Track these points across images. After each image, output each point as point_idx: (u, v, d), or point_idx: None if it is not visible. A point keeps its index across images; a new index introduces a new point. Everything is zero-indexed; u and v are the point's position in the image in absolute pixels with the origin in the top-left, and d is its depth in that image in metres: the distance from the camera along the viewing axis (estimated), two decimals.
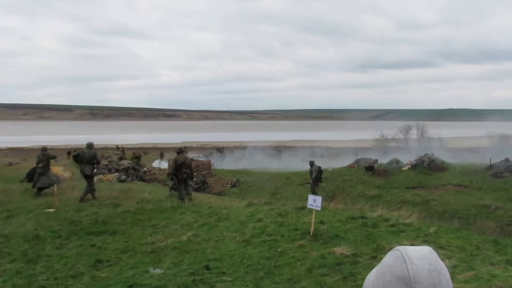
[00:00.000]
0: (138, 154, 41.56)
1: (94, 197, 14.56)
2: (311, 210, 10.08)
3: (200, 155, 47.87)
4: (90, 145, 14.89)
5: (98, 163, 15.32)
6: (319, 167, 20.93)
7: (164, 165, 37.72)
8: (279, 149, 58.87)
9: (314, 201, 9.23)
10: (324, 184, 23.30)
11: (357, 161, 35.15)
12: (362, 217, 10.12)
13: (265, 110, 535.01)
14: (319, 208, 9.18)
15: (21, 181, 23.65)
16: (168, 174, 30.54)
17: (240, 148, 62.27)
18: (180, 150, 15.90)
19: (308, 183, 21.61)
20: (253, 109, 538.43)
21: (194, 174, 30.82)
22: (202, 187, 28.03)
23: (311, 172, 20.81)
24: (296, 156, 51.67)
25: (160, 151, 46.04)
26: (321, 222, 9.67)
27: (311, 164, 21.13)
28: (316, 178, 20.38)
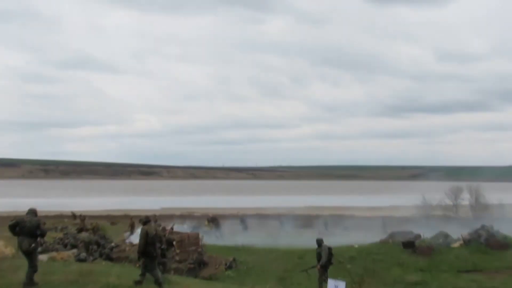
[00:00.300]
0: (96, 225, 41.67)
1: (30, 283, 14.36)
2: None
3: (185, 226, 47.59)
4: (32, 212, 14.89)
5: (43, 235, 15.14)
6: (330, 248, 20.77)
7: (137, 239, 37.50)
8: (289, 218, 58.58)
9: None
10: (349, 266, 23.05)
11: (392, 235, 34.82)
12: None
13: (271, 167, 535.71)
14: None
15: None
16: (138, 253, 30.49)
17: (237, 217, 61.99)
18: (147, 219, 16.03)
19: (313, 267, 21.31)
20: (255, 165, 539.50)
21: (177, 251, 30.66)
22: (197, 268, 27.76)
23: (318, 254, 20.58)
24: (312, 228, 51.34)
25: (131, 221, 45.89)
26: None
27: (319, 243, 20.94)
28: (326, 263, 20.18)
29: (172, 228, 35.77)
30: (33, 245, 14.37)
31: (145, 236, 15.02)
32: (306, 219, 59.13)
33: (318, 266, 20.54)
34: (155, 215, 49.08)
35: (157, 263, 15.13)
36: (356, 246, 30.38)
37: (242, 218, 54.76)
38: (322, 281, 18.93)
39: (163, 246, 15.24)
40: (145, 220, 15.86)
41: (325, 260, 20.11)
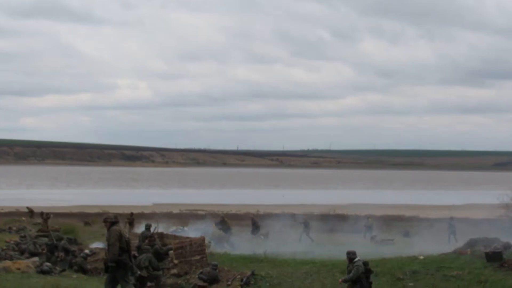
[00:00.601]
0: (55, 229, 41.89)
1: None
2: None
3: (184, 228, 47.83)
4: None
5: None
6: (365, 263, 20.61)
7: None
8: (326, 219, 58.66)
9: None
10: (411, 285, 22.94)
11: (471, 244, 34.64)
12: None
13: (303, 151, 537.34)
14: None
15: None
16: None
17: (257, 216, 62.13)
18: (116, 219, 16.27)
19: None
20: (281, 149, 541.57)
21: (175, 261, 30.70)
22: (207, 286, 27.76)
23: (349, 271, 20.46)
24: (358, 232, 51.29)
25: (131, 216, 46.27)
26: None
27: (351, 257, 20.77)
28: (359, 282, 20.02)
29: (155, 229, 35.89)
30: None
31: (119, 239, 14.93)
32: (350, 221, 59.09)
33: (341, 280, 20.50)
34: (132, 213, 48.96)
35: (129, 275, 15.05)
36: (421, 257, 30.21)
37: (253, 220, 54.62)
38: None
39: (134, 253, 15.12)
40: (114, 220, 15.73)
41: (354, 276, 20.01)
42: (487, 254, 29.87)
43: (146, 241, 29.38)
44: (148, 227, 34.11)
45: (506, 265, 28.68)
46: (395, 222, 60.03)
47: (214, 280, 26.72)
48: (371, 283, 20.52)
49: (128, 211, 67.78)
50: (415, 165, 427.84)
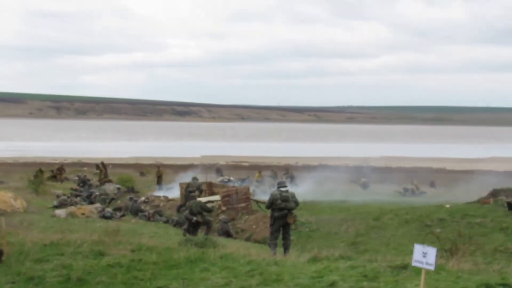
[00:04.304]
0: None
1: None
2: (417, 271, 10.07)
3: (231, 178, 48.14)
4: None
5: None
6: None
7: (174, 193, 38.24)
8: (361, 170, 58.56)
9: (424, 256, 9.22)
10: (438, 231, 23.06)
11: (495, 194, 34.54)
12: (504, 285, 10.03)
13: (339, 107, 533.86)
14: (432, 267, 9.15)
15: None
16: (179, 207, 30.97)
17: (296, 167, 62.32)
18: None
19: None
20: (319, 105, 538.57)
21: (223, 208, 31.20)
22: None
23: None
24: (391, 183, 51.27)
25: (158, 170, 46.47)
26: None
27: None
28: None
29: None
30: None
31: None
32: (383, 172, 59.02)
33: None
34: (102, 163, 48.12)
35: None
36: (448, 206, 30.18)
37: (286, 170, 54.65)
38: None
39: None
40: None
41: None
42: (508, 203, 29.86)
43: (196, 192, 29.61)
44: (195, 178, 34.33)
45: None
46: (423, 173, 59.74)
47: (226, 233, 26.79)
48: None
49: (178, 163, 68.58)
50: (444, 120, 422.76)
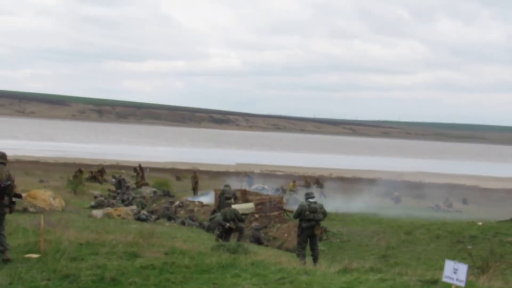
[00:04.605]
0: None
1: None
2: (448, 287, 9.91)
3: (265, 187, 48.12)
4: (2, 158, 13.75)
5: (10, 193, 13.43)
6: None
7: (209, 198, 38.28)
8: (394, 184, 58.23)
9: (455, 272, 9.09)
10: (470, 247, 22.76)
11: None
12: None
13: (374, 121, 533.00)
14: (462, 284, 9.04)
15: None
16: (213, 212, 30.93)
17: (330, 179, 62.14)
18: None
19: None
20: (354, 119, 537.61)
21: (256, 216, 31.08)
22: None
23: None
24: (423, 198, 50.93)
25: (194, 175, 46.59)
26: None
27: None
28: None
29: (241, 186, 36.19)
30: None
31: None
32: (416, 187, 58.58)
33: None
34: (140, 166, 48.32)
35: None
36: (480, 223, 29.86)
37: (317, 180, 54.40)
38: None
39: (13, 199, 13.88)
40: None
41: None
42: None
43: (232, 199, 29.62)
44: (227, 185, 34.25)
45: None
46: (456, 190, 59.25)
47: (258, 240, 26.70)
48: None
49: (215, 169, 68.74)
50: (477, 138, 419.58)
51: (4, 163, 13.50)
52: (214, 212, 30.73)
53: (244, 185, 46.43)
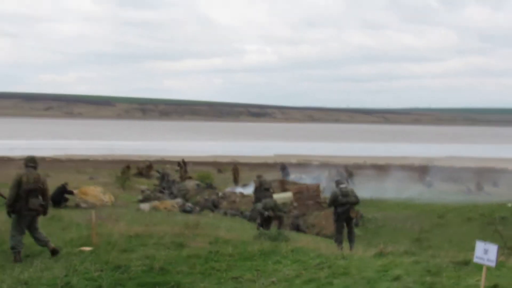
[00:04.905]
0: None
1: (49, 247, 13.49)
2: (479, 267, 9.92)
3: (302, 176, 48.17)
4: (31, 162, 13.62)
5: (45, 196, 13.51)
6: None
7: (249, 189, 38.42)
8: (426, 169, 57.87)
9: (486, 252, 9.09)
10: (500, 228, 22.66)
11: None
12: None
13: (406, 109, 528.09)
14: (493, 264, 9.02)
15: None
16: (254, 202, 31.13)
17: (365, 166, 61.92)
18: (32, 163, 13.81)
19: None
20: (386, 107, 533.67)
21: (294, 204, 31.19)
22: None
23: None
24: (455, 182, 50.54)
25: (235, 167, 46.76)
26: (496, 286, 9.50)
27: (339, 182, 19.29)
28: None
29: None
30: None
31: (17, 185, 13.12)
32: (448, 172, 58.11)
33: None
34: (183, 160, 48.21)
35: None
36: (510, 205, 29.66)
37: (338, 169, 52.39)
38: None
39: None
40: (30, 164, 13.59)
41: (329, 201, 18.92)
42: None
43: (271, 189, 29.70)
44: (259, 176, 34.23)
45: None
46: (486, 173, 58.62)
47: (297, 228, 26.76)
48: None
49: (253, 161, 68.88)
50: (508, 121, 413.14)
51: (33, 167, 13.48)
52: (255, 202, 30.86)
53: (280, 176, 46.56)
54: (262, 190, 29.21)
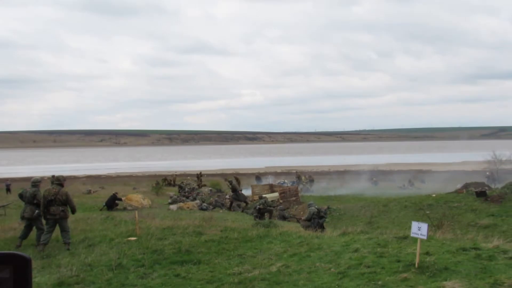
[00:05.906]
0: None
1: (40, 244, 13.01)
2: (414, 240, 9.89)
3: (285, 181, 48.14)
4: (34, 182, 13.79)
5: (38, 204, 13.28)
6: (319, 210, 19.32)
7: (248, 192, 38.34)
8: (373, 173, 57.93)
9: (419, 229, 9.05)
10: (428, 212, 22.63)
11: (466, 186, 33.73)
12: (475, 248, 9.74)
13: (357, 131, 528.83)
14: (424, 237, 8.97)
15: (101, 209, 25.12)
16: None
17: (329, 173, 61.88)
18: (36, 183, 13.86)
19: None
20: (343, 130, 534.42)
21: (280, 201, 31.04)
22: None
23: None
24: (394, 181, 50.68)
25: (235, 181, 46.60)
26: (427, 253, 9.43)
27: (308, 205, 19.87)
28: (312, 221, 18.76)
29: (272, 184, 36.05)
30: (36, 211, 13.36)
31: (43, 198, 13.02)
32: (388, 174, 58.16)
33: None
34: (200, 173, 47.49)
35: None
36: (434, 195, 29.64)
37: (310, 175, 51.64)
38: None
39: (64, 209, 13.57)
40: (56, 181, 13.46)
41: (307, 217, 19.16)
42: (476, 192, 29.09)
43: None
44: (230, 181, 33.87)
45: (489, 199, 27.89)
46: (416, 174, 58.69)
47: (283, 217, 26.54)
48: (322, 224, 18.96)
49: (250, 172, 68.67)
50: (429, 137, 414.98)
51: (60, 184, 13.18)
52: (231, 203, 30.27)
53: (269, 181, 46.44)
54: (237, 194, 29.48)
